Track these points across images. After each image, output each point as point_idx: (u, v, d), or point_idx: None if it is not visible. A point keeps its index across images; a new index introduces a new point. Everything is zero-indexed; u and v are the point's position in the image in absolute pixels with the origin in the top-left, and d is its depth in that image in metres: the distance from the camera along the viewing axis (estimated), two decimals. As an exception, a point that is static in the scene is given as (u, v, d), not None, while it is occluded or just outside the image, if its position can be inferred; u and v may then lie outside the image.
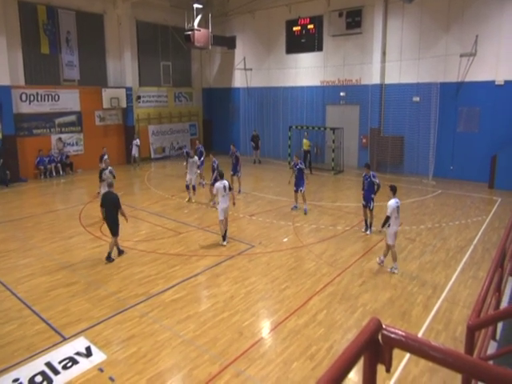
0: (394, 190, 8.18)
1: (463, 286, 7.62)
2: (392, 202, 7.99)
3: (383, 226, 8.16)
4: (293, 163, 12.41)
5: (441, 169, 16.57)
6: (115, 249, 9.11)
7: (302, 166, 12.09)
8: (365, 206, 10.54)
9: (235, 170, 14.60)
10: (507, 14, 14.70)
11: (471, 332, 2.50)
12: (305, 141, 18.26)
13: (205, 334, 6.09)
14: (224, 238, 9.65)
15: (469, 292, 7.33)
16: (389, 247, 8.22)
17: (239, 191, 14.60)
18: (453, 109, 16.30)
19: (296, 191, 12.16)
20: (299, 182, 11.98)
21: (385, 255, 8.45)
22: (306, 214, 12.07)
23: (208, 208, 12.99)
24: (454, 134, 16.45)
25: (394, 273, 8.14)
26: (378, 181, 10.24)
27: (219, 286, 7.70)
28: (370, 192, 10.33)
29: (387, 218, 8.00)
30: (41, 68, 18.02)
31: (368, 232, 10.49)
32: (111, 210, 8.79)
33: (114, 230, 8.89)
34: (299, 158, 12.40)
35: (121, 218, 8.94)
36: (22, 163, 17.43)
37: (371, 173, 10.32)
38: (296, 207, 12.49)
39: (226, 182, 9.60)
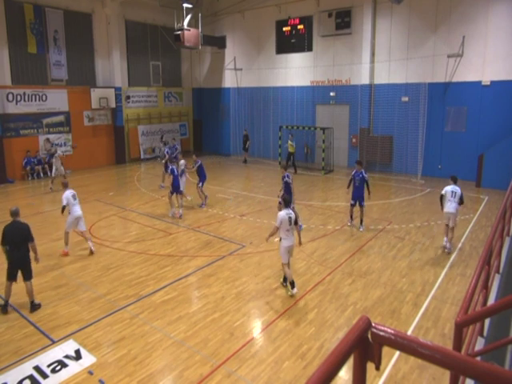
0: (454, 179, 9.10)
1: (451, 283, 7.72)
2: (447, 187, 9.05)
3: (441, 206, 9.16)
4: (282, 176, 10.83)
5: (429, 168, 16.77)
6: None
7: (289, 180, 10.53)
8: (353, 205, 10.62)
9: (199, 181, 13.20)
10: (493, 15, 14.95)
11: (459, 329, 2.53)
12: (290, 143, 18.51)
13: (196, 335, 6.07)
14: (293, 284, 7.30)
15: (457, 289, 7.43)
16: (445, 228, 9.25)
17: (202, 205, 13.09)
18: (441, 109, 16.51)
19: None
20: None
21: (448, 239, 9.12)
22: (301, 230, 10.81)
23: (197, 208, 12.95)
24: (441, 134, 16.66)
25: (448, 250, 9.11)
26: (367, 177, 10.53)
27: (210, 286, 7.68)
28: (361, 189, 10.42)
29: (441, 197, 9.14)
30: (28, 67, 17.77)
31: (361, 229, 10.63)
32: (20, 245, 6.67)
33: (27, 272, 6.84)
34: (285, 170, 10.88)
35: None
36: (9, 164, 17.16)
37: (363, 169, 10.48)
38: None
39: (292, 213, 7.29)
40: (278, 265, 8.61)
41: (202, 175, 13.18)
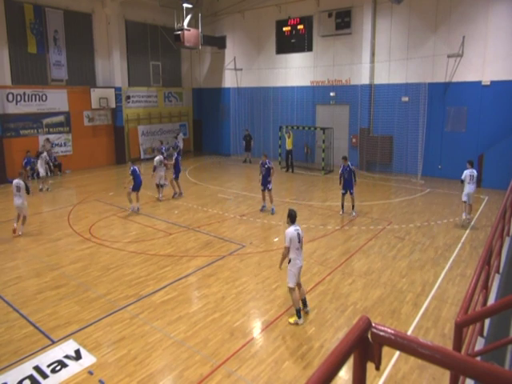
0: (470, 163, 10.83)
1: (451, 283, 7.72)
2: (466, 171, 10.74)
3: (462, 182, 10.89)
4: (260, 162, 12.27)
5: (429, 168, 16.77)
6: None
7: (271, 165, 12.02)
8: (344, 194, 11.92)
9: (173, 173, 14.33)
10: (493, 15, 14.94)
11: (459, 329, 2.53)
12: (288, 140, 18.52)
13: (196, 335, 6.07)
14: (299, 313, 6.34)
15: (457, 289, 7.43)
16: (463, 204, 10.92)
17: (174, 194, 14.31)
18: (441, 109, 16.51)
19: (263, 190, 12.25)
20: (266, 180, 12.06)
21: (467, 212, 10.81)
22: (272, 214, 12.10)
23: (197, 208, 12.95)
24: (441, 134, 16.66)
25: (467, 221, 10.85)
26: (353, 168, 11.97)
27: (210, 286, 7.68)
28: (350, 180, 11.74)
29: (462, 181, 10.77)
30: (28, 68, 17.76)
31: (354, 213, 11.94)
32: None
33: None
34: (267, 157, 12.30)
35: None
36: (9, 164, 17.15)
37: (349, 163, 11.84)
38: (264, 207, 12.50)
39: (299, 228, 6.42)
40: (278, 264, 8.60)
41: (177, 168, 14.15)
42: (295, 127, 19.70)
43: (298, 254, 6.34)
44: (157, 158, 14.05)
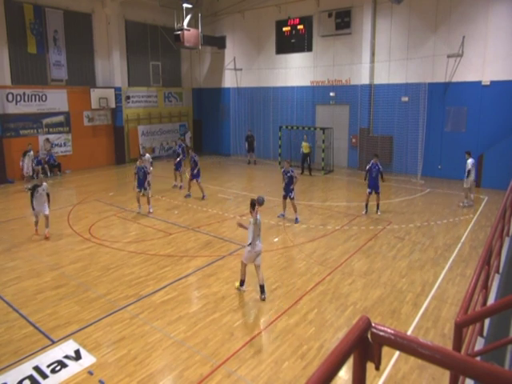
0: (469, 153, 12.50)
1: (451, 283, 7.72)
2: (470, 160, 12.37)
3: (467, 176, 12.29)
4: (283, 170, 11.61)
5: (429, 168, 16.77)
6: None
7: (294, 174, 11.36)
8: (370, 193, 11.82)
9: (194, 175, 13.92)
10: (493, 15, 14.95)
11: (459, 329, 2.53)
12: (304, 144, 18.15)
13: (196, 335, 6.07)
14: (243, 282, 7.38)
15: (457, 289, 7.44)
16: (465, 190, 12.62)
17: (203, 197, 13.94)
18: (441, 109, 16.52)
19: (285, 198, 11.58)
20: (288, 188, 11.38)
21: (466, 197, 12.64)
22: (297, 223, 11.29)
23: (196, 208, 12.95)
24: (441, 134, 16.66)
25: (465, 206, 12.62)
26: (381, 168, 11.88)
27: (210, 286, 7.68)
28: (377, 179, 11.67)
29: (468, 171, 12.25)
30: (28, 68, 17.77)
31: (378, 213, 12.03)
32: None
33: None
34: (290, 165, 11.70)
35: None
36: (9, 164, 17.15)
37: (378, 161, 11.82)
38: (283, 215, 11.77)
39: (259, 218, 7.21)
40: (278, 264, 8.62)
41: (196, 169, 13.96)
42: (295, 127, 19.69)
43: (257, 239, 7.11)
44: (147, 156, 14.38)
